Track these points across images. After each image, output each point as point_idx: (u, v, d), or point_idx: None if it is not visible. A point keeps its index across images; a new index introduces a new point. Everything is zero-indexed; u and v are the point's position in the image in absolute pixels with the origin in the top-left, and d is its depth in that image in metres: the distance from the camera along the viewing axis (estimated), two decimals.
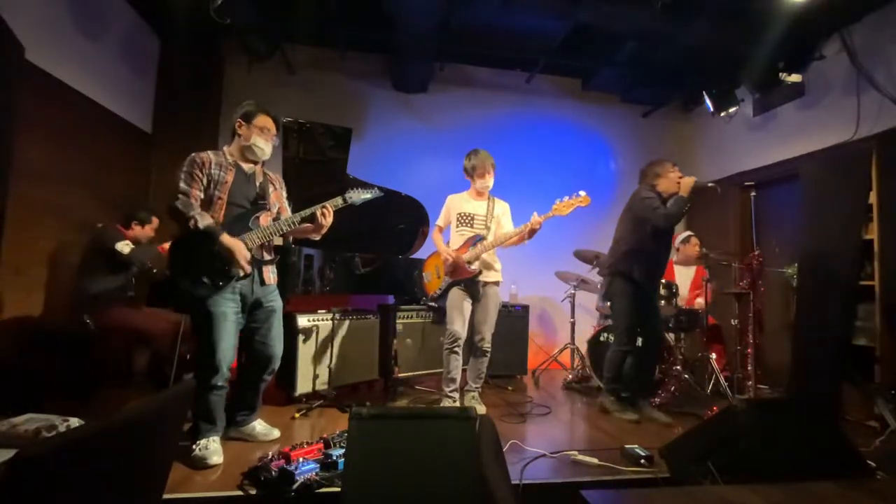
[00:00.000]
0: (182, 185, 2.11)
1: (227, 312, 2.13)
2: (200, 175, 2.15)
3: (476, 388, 3.02)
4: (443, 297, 3.03)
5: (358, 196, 2.39)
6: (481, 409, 2.91)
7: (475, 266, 2.92)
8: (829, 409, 2.84)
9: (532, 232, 2.81)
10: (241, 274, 2.13)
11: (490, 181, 3.01)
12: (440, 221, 3.15)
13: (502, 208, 3.11)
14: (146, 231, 3.28)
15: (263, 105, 2.30)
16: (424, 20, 3.77)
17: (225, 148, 2.29)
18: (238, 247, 2.11)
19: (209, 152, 2.22)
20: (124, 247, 2.99)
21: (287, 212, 2.44)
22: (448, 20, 3.89)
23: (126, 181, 3.77)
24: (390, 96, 4.85)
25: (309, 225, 2.31)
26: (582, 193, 2.78)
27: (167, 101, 4.21)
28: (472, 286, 2.98)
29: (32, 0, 2.83)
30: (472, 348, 2.99)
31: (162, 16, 3.90)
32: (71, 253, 3.12)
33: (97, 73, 3.42)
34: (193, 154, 2.19)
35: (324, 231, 2.36)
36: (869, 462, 1.90)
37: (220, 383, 2.13)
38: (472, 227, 3.02)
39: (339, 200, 2.35)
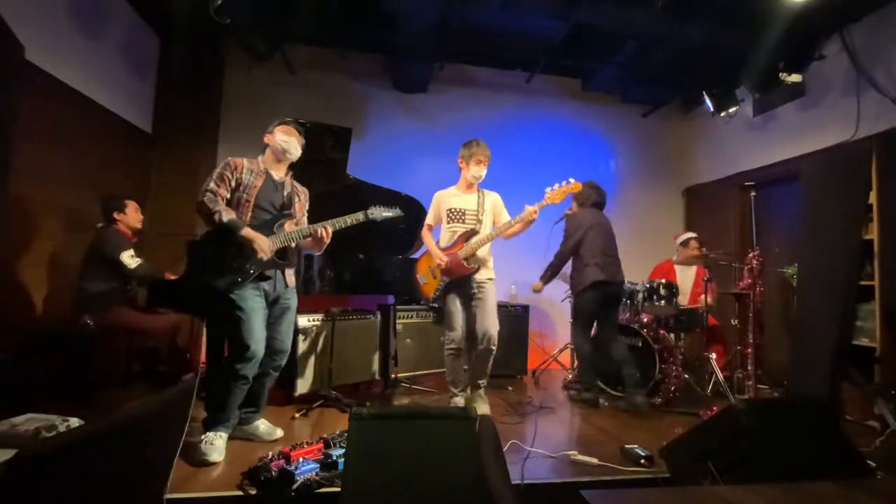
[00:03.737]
0: (211, 184, 2.24)
1: (256, 307, 2.23)
2: (230, 177, 2.28)
3: (481, 385, 2.97)
4: (442, 298, 2.98)
5: (380, 214, 2.52)
6: (485, 409, 2.88)
7: (473, 263, 2.85)
8: (829, 409, 2.84)
9: (530, 222, 2.81)
10: (263, 259, 2.21)
11: (483, 172, 2.93)
12: (429, 220, 3.06)
13: (493, 200, 3.03)
14: (129, 217, 3.14)
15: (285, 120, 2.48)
16: (424, 20, 3.78)
17: (259, 157, 2.43)
18: (257, 237, 2.22)
19: (244, 159, 2.36)
20: (131, 260, 2.94)
21: (305, 223, 2.54)
22: (448, 20, 3.89)
23: (126, 181, 3.77)
24: (390, 96, 4.86)
25: (310, 239, 2.41)
26: (572, 180, 2.80)
27: (167, 101, 4.21)
28: (466, 286, 2.90)
29: (32, 0, 2.83)
30: (478, 347, 2.89)
31: (162, 16, 3.91)
32: (71, 253, 3.11)
33: (97, 73, 3.42)
34: (229, 158, 2.33)
35: (323, 247, 2.45)
36: (869, 462, 1.91)
37: (250, 374, 2.23)
38: (463, 222, 2.93)
39: (360, 216, 2.46)
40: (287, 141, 2.39)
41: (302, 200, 2.56)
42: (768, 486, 1.11)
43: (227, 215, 2.19)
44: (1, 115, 2.35)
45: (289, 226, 2.39)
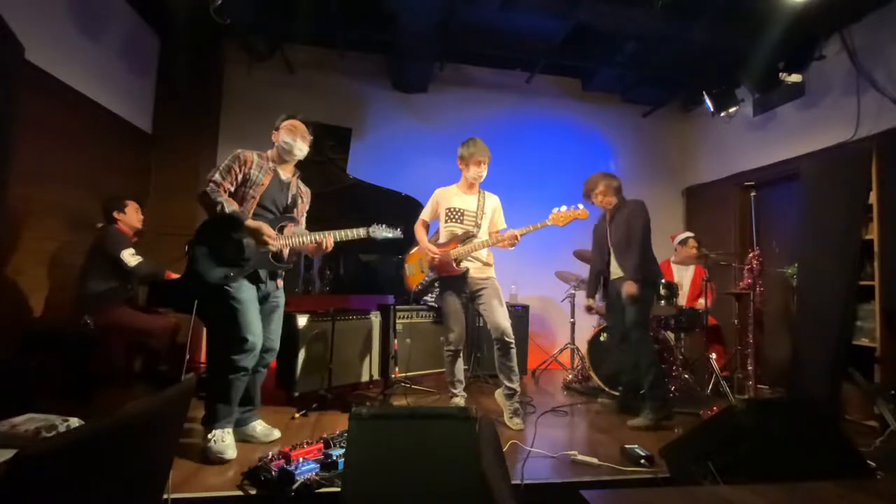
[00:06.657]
0: (216, 175, 2.21)
1: (252, 298, 2.24)
2: (237, 171, 2.25)
3: (515, 389, 2.77)
4: (425, 292, 2.93)
5: (381, 233, 2.48)
6: (519, 425, 2.69)
7: (463, 264, 2.78)
8: (829, 409, 2.84)
9: (513, 245, 2.73)
10: (272, 250, 2.25)
11: (484, 172, 2.86)
12: (425, 215, 2.98)
13: (493, 204, 2.97)
14: (129, 217, 3.16)
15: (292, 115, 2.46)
16: (425, 20, 3.77)
17: (269, 152, 2.40)
18: (262, 226, 2.22)
19: (254, 153, 2.32)
20: (130, 257, 2.96)
21: (303, 225, 2.55)
22: (448, 20, 3.89)
23: (126, 181, 3.77)
24: (390, 96, 4.85)
25: (313, 244, 2.39)
26: (581, 206, 2.73)
27: (167, 101, 4.21)
28: (463, 285, 2.84)
29: (32, 0, 2.83)
30: (494, 346, 2.82)
31: (162, 16, 3.90)
32: (71, 253, 3.11)
33: (97, 73, 3.42)
34: (239, 150, 2.29)
35: (321, 254, 2.46)
36: (869, 462, 1.91)
37: (249, 366, 2.21)
38: (462, 222, 2.87)
39: (362, 231, 2.44)
40: (290, 142, 2.35)
41: (304, 202, 2.56)
42: (768, 486, 1.11)
43: (230, 206, 2.17)
44: (1, 115, 2.35)
45: (289, 229, 2.38)
